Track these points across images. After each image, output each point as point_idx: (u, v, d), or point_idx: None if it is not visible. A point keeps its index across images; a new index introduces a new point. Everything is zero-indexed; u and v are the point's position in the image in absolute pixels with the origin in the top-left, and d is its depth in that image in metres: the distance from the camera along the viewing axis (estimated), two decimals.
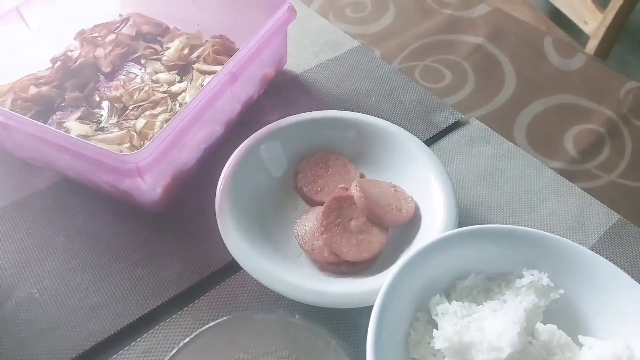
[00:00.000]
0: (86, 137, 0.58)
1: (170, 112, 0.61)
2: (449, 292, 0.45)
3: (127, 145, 0.57)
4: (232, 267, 0.50)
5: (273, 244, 0.50)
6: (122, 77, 0.67)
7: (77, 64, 0.66)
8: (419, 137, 0.62)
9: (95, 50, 0.68)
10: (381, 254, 0.50)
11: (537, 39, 0.80)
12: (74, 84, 0.64)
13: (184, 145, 0.50)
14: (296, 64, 0.74)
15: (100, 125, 0.61)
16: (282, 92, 0.69)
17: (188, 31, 0.73)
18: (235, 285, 0.50)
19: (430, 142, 0.64)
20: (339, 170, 0.56)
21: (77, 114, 0.62)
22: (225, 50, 0.68)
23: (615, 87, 0.72)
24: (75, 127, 0.59)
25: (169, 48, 0.69)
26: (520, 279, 0.44)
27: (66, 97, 0.63)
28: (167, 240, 0.54)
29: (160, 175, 0.51)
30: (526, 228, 0.45)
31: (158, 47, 0.71)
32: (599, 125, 0.67)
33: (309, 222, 0.51)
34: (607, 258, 0.42)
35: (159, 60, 0.68)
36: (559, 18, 1.15)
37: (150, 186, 0.50)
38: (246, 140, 0.55)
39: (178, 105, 0.62)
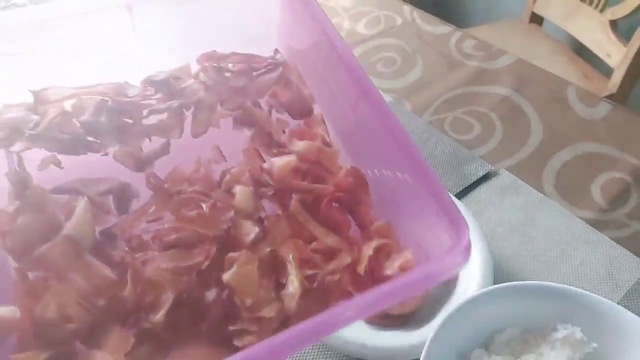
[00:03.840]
0: None
1: None
2: (487, 345, 0.47)
3: None
4: None
5: None
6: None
7: (182, 99, 0.40)
8: (451, 189, 0.65)
9: (208, 91, 0.41)
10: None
11: (561, 89, 0.83)
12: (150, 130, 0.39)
13: None
14: None
15: None
16: None
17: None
18: None
19: (461, 194, 0.67)
20: None
21: None
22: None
23: (638, 134, 0.74)
24: None
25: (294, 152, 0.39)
26: (555, 332, 0.46)
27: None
28: None
29: None
30: (560, 285, 0.47)
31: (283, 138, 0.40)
32: (624, 173, 0.69)
33: None
34: (638, 309, 0.44)
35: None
36: (581, 50, 1.16)
37: None
38: None
39: None
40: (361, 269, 0.33)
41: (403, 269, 0.33)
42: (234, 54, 0.44)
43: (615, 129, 0.75)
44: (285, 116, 0.42)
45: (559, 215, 0.64)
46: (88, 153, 0.37)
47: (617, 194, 0.66)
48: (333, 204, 0.36)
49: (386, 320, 0.51)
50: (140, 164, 0.37)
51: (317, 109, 0.42)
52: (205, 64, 0.42)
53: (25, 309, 0.30)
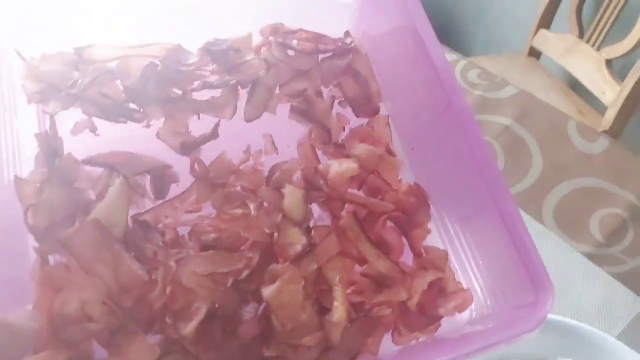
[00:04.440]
0: None
1: None
2: None
3: None
4: None
5: None
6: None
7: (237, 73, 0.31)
8: None
9: (270, 71, 0.32)
10: None
11: (562, 122, 0.77)
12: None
13: None
14: None
15: None
16: None
17: None
18: None
19: None
20: None
21: None
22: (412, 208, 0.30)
23: (636, 171, 0.69)
24: None
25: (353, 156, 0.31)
26: None
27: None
28: None
29: None
30: (561, 318, 0.42)
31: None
32: (622, 209, 0.64)
33: None
34: (636, 346, 0.40)
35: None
36: (576, 86, 1.11)
37: None
38: None
39: None
40: (412, 304, 0.26)
41: (458, 310, 0.27)
42: (301, 30, 0.34)
43: (613, 165, 0.70)
44: (347, 111, 0.33)
45: (558, 248, 0.59)
46: (128, 122, 0.29)
47: (614, 230, 0.61)
48: (388, 222, 0.29)
49: None
50: (186, 146, 0.29)
51: (383, 109, 0.33)
52: (270, 37, 0.33)
53: (42, 300, 0.22)
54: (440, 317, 0.27)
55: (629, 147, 0.72)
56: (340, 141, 0.32)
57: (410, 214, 0.29)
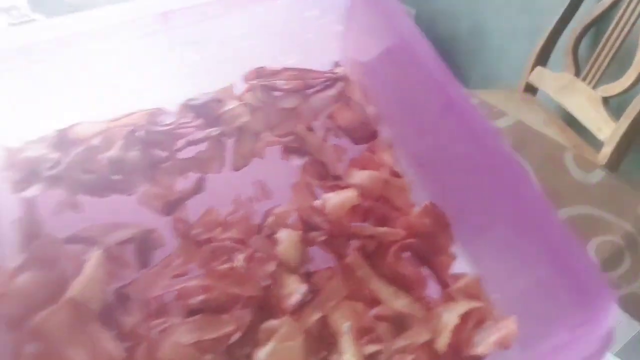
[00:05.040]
0: None
1: None
2: None
3: None
4: None
5: None
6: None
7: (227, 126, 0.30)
8: None
9: (253, 115, 0.31)
10: None
11: (558, 153, 0.73)
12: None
13: None
14: None
15: None
16: None
17: None
18: None
19: None
20: None
21: None
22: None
23: (631, 202, 0.65)
24: None
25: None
26: None
27: None
28: None
29: None
30: None
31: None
32: (618, 237, 0.60)
33: None
34: None
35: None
36: (572, 121, 1.06)
37: None
38: None
39: None
40: (442, 345, 0.22)
41: (503, 346, 0.21)
42: (285, 69, 0.33)
43: (609, 194, 0.66)
44: (345, 142, 0.31)
45: None
46: (112, 195, 0.28)
47: (611, 257, 0.58)
48: (403, 253, 0.25)
49: None
50: (169, 206, 0.27)
51: (384, 132, 0.31)
52: (254, 81, 0.32)
53: None
54: (479, 358, 0.21)
55: (625, 181, 0.67)
56: (338, 172, 0.29)
57: (429, 239, 0.25)
